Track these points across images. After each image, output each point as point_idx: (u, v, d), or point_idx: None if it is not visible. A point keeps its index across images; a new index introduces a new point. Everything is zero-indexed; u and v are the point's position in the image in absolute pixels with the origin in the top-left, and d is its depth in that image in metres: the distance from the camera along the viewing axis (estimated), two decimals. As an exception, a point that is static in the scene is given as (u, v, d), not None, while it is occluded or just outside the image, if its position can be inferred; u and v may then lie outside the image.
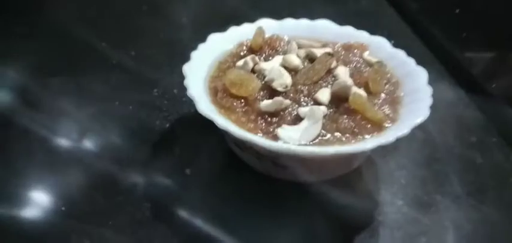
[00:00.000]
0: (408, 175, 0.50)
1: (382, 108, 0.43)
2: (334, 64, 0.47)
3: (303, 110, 0.41)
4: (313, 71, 0.45)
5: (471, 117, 0.58)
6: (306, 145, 0.39)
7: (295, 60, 0.46)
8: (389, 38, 0.62)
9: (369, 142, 0.39)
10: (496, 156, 0.54)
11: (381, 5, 0.83)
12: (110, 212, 0.43)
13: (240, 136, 0.38)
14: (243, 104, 0.43)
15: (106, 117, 0.54)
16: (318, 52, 0.48)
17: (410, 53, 0.62)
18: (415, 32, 0.75)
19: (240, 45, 0.51)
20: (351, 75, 0.46)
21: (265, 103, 0.41)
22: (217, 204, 0.44)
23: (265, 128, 0.40)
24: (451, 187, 0.49)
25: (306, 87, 0.44)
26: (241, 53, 0.50)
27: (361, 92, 0.44)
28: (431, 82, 0.54)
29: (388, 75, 0.48)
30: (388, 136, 0.39)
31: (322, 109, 0.41)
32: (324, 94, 0.43)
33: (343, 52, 0.49)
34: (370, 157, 0.50)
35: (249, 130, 0.40)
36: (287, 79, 0.44)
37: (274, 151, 0.37)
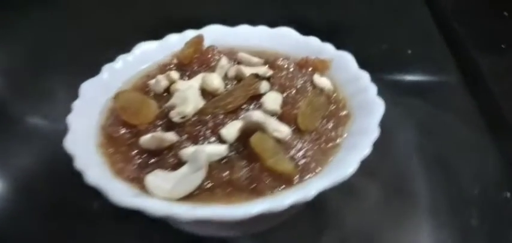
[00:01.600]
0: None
1: (306, 153, 0.32)
2: (265, 88, 0.37)
3: (185, 152, 0.31)
4: (230, 98, 0.35)
5: (480, 155, 0.44)
6: (174, 199, 0.30)
7: (215, 80, 0.37)
8: (410, 40, 0.54)
9: (252, 207, 0.28)
10: (501, 220, 0.39)
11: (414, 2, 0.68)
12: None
13: (88, 181, 0.30)
14: (131, 135, 0.34)
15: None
16: (252, 71, 0.38)
17: (426, 56, 0.50)
18: (442, 33, 0.60)
19: (173, 56, 0.42)
20: (284, 104, 0.36)
21: (145, 139, 0.33)
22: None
23: (136, 172, 0.32)
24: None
25: (215, 118, 0.34)
26: (169, 67, 0.41)
27: (283, 129, 0.33)
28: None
29: (335, 107, 0.37)
30: (281, 200, 0.28)
31: (220, 151, 0.32)
32: (231, 130, 0.33)
33: (285, 72, 0.38)
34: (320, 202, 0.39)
35: (117, 171, 0.32)
36: (189, 106, 0.34)
37: (118, 204, 0.29)
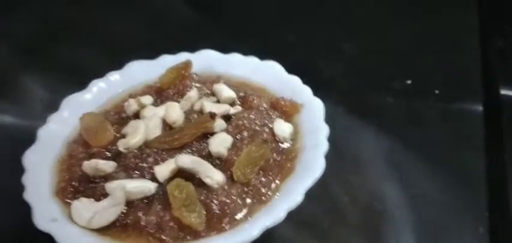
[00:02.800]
0: None
1: (224, 207, 0.32)
2: (221, 127, 0.37)
3: (109, 185, 0.33)
4: (177, 134, 0.36)
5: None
6: (90, 229, 0.32)
7: (175, 113, 0.38)
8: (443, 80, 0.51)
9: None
10: None
11: (467, 34, 0.60)
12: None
13: (24, 197, 0.33)
14: (85, 156, 0.36)
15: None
16: (218, 106, 0.38)
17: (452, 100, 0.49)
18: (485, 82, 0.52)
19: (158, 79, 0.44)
20: (232, 148, 0.35)
21: (85, 164, 0.35)
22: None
23: (71, 196, 0.34)
24: None
25: (158, 153, 0.35)
26: (150, 90, 0.43)
27: (215, 177, 0.33)
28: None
29: (284, 158, 0.35)
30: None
31: (145, 190, 0.33)
32: (165, 169, 0.34)
33: (247, 113, 0.38)
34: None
35: (58, 191, 0.34)
36: (135, 137, 0.36)
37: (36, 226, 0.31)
